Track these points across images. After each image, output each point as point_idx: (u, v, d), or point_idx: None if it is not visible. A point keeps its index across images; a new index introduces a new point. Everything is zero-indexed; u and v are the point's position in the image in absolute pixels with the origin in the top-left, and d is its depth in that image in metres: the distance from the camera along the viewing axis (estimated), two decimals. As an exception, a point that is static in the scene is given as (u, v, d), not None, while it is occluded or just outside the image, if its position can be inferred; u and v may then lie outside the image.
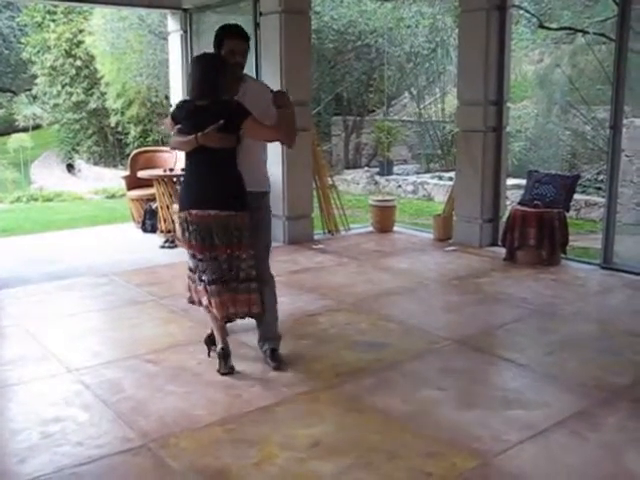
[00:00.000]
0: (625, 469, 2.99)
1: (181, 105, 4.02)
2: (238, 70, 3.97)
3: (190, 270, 4.07)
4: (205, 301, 3.95)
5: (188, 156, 3.95)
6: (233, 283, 3.88)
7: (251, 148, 3.95)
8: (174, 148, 4.25)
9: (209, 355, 4.20)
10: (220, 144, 3.76)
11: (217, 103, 3.79)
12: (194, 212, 3.85)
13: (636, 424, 3.37)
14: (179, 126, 3.91)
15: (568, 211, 6.73)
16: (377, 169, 14.35)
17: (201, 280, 3.94)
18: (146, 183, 8.28)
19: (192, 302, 4.15)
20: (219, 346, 3.98)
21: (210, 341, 4.21)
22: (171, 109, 4.06)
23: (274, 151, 7.47)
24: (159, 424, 3.37)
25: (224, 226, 3.82)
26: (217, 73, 3.78)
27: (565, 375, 3.97)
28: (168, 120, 4.10)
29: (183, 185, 4.17)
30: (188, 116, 3.87)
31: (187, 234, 3.93)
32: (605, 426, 3.35)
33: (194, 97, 3.86)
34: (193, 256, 3.97)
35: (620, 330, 4.78)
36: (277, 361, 4.09)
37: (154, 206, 8.23)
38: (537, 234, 6.45)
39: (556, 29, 11.89)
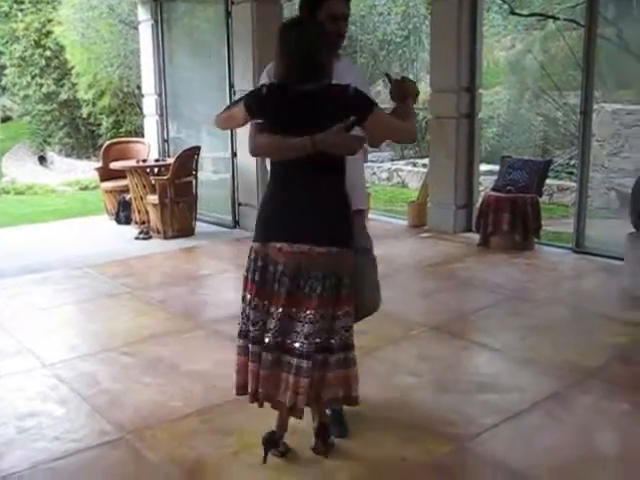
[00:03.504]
0: (599, 449, 3.05)
1: (264, 91, 2.78)
2: (340, 42, 3.03)
3: (242, 335, 2.87)
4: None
5: (278, 166, 2.83)
6: (318, 355, 2.73)
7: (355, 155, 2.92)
8: (260, 154, 3.06)
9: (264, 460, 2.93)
10: (347, 150, 2.74)
11: (328, 89, 2.72)
12: (279, 246, 2.73)
13: (609, 404, 3.43)
14: (258, 122, 2.78)
15: (541, 196, 6.80)
16: (352, 157, 14.34)
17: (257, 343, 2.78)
18: (119, 174, 8.19)
19: (254, 399, 2.85)
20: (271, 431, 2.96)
21: (270, 441, 2.95)
22: (236, 96, 3.10)
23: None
24: (136, 416, 3.36)
25: (321, 268, 2.71)
26: (321, 46, 2.71)
27: (539, 358, 4.02)
28: (236, 111, 2.86)
29: (264, 207, 2.87)
30: (282, 107, 2.75)
31: (256, 275, 2.78)
32: (579, 407, 3.41)
33: (291, 80, 2.71)
34: (254, 306, 2.78)
35: (593, 313, 4.84)
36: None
37: (128, 197, 8.17)
38: (510, 219, 6.50)
39: (527, 15, 11.94)
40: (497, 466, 2.91)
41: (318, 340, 2.71)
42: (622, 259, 5.35)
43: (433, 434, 3.13)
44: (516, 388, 3.63)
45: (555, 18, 11.01)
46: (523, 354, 4.11)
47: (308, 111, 2.70)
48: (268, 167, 2.93)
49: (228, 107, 2.99)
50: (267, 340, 2.74)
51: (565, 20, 10.62)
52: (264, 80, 2.99)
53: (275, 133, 2.72)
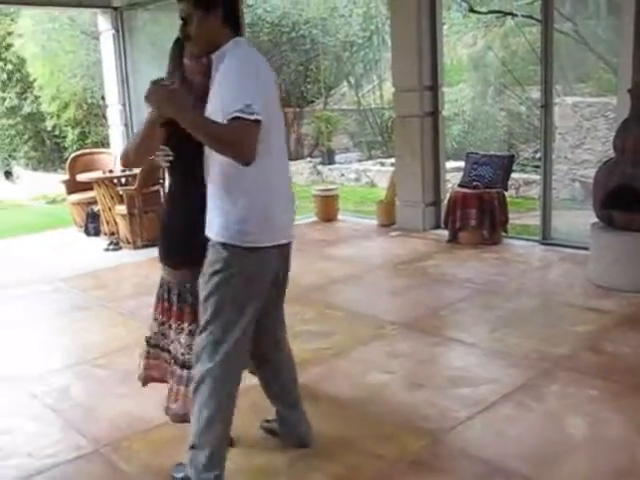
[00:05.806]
0: (567, 434, 3.11)
1: None
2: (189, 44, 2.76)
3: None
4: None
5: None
6: None
7: None
8: None
9: None
10: None
11: None
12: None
13: (574, 390, 3.50)
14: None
15: (506, 190, 6.89)
16: (319, 159, 14.42)
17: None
18: (86, 186, 8.15)
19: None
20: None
21: None
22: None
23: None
24: (111, 428, 3.35)
25: None
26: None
27: (509, 350, 4.08)
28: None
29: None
30: None
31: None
32: (547, 395, 3.47)
33: None
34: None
35: (559, 302, 4.93)
36: None
37: (96, 209, 8.13)
38: (478, 214, 6.59)
39: (485, 13, 12.12)
40: (472, 458, 2.95)
41: None
42: (587, 249, 5.44)
43: (408, 430, 3.16)
44: (488, 380, 3.69)
45: (513, 15, 11.18)
46: (494, 346, 4.17)
47: None
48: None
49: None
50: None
51: (523, 16, 10.79)
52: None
53: None
